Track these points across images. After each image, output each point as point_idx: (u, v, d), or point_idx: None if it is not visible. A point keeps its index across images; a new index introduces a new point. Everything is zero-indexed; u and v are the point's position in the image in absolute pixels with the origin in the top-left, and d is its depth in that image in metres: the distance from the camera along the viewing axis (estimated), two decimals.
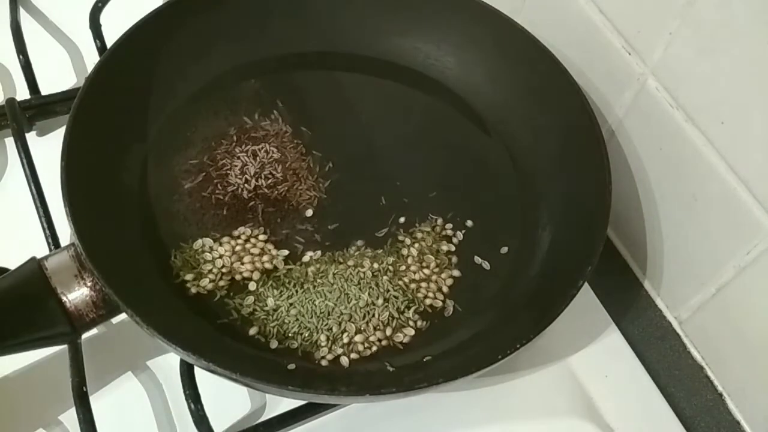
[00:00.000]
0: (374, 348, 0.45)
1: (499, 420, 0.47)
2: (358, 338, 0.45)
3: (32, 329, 0.40)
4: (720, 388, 0.47)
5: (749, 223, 0.41)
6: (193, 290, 0.46)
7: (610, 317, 0.52)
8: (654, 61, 0.45)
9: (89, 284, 0.41)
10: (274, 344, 0.44)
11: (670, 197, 0.48)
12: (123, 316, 0.48)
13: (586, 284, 0.53)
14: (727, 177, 0.42)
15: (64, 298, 0.40)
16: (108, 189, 0.47)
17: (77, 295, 0.41)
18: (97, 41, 0.57)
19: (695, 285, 0.47)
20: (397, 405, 0.46)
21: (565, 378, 0.49)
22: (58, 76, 0.58)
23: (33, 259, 0.42)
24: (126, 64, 0.50)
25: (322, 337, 0.45)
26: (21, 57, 0.56)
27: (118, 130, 0.49)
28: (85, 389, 0.42)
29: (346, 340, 0.45)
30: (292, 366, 0.43)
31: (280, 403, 0.46)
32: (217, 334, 0.44)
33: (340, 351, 0.44)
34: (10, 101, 0.53)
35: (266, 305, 0.46)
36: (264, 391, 0.39)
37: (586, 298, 0.52)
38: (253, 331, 0.45)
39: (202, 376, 0.42)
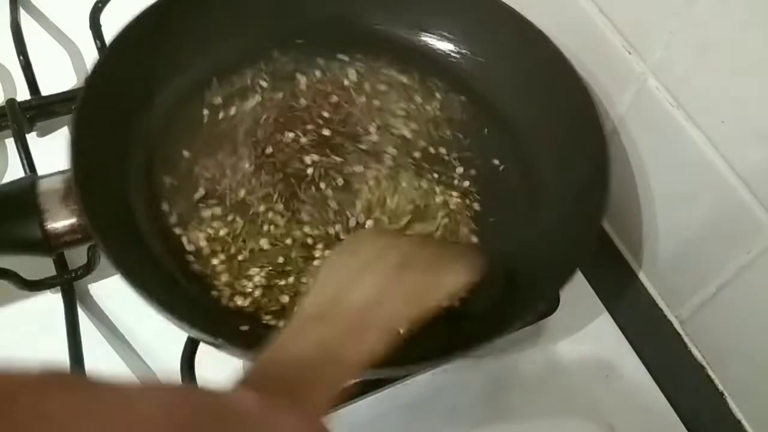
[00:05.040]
0: None
1: (499, 420, 0.47)
2: None
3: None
4: (721, 388, 0.47)
5: (749, 222, 0.41)
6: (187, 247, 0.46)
7: (611, 316, 0.52)
8: (654, 61, 0.45)
9: (72, 208, 0.42)
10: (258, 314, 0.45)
11: (670, 196, 0.48)
12: (124, 317, 0.49)
13: (587, 284, 0.53)
14: (728, 176, 0.42)
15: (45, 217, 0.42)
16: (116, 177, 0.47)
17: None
18: (97, 41, 0.57)
19: (696, 284, 0.47)
20: (396, 405, 0.46)
21: (565, 377, 0.49)
22: (58, 76, 0.58)
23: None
24: (130, 54, 0.50)
25: None
26: (21, 57, 0.56)
27: (123, 121, 0.49)
28: None
29: None
30: (245, 328, 0.43)
31: None
32: (196, 293, 0.45)
33: None
34: (11, 102, 0.53)
35: (257, 281, 0.46)
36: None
37: (587, 298, 0.52)
38: (241, 301, 0.45)
39: (203, 376, 0.42)
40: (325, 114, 0.53)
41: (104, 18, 0.58)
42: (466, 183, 0.52)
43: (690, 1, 0.41)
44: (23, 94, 0.55)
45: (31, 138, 0.53)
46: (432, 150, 0.53)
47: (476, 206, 0.51)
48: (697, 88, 0.43)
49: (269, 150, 0.51)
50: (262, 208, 0.48)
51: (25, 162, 0.50)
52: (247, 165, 0.50)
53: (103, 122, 0.47)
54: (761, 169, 0.40)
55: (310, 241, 0.48)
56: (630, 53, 0.47)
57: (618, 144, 0.50)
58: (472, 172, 0.52)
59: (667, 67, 0.45)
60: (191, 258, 0.46)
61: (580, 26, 0.50)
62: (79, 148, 0.43)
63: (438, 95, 0.55)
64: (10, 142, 0.53)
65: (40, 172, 0.50)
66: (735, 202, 0.42)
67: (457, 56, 0.57)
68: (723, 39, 0.40)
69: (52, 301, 0.47)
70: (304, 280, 0.46)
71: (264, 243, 0.47)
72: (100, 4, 0.59)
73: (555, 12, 0.53)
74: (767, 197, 0.40)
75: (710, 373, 0.48)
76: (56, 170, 0.44)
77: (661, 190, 0.48)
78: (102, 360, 0.46)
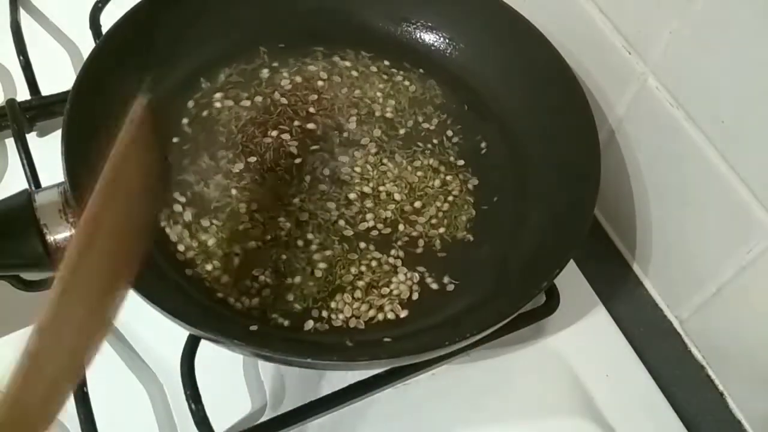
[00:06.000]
0: (371, 315, 0.46)
1: (499, 420, 0.47)
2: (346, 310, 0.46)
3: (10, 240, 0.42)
4: (721, 388, 0.47)
5: (749, 222, 0.41)
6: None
7: (611, 317, 0.52)
8: (654, 61, 0.45)
9: (71, 220, 0.42)
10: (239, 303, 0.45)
11: (670, 196, 0.48)
12: (124, 317, 0.48)
13: (587, 284, 0.53)
14: (728, 176, 0.42)
15: (45, 231, 0.42)
16: None
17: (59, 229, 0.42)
18: (97, 41, 0.57)
19: (696, 284, 0.47)
20: (396, 406, 0.46)
21: (565, 378, 0.49)
22: (58, 76, 0.58)
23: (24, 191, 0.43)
24: (122, 48, 0.50)
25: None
26: (21, 57, 0.56)
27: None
28: (85, 389, 0.42)
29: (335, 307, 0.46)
30: (254, 327, 0.43)
31: (281, 404, 0.46)
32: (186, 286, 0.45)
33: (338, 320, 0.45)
34: (11, 102, 0.53)
35: (262, 281, 0.46)
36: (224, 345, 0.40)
37: (587, 298, 0.52)
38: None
39: (202, 376, 0.42)
40: (307, 108, 0.54)
41: (104, 18, 0.58)
42: (463, 165, 0.52)
43: (690, 1, 0.41)
44: (23, 94, 0.55)
45: (31, 138, 0.53)
46: (420, 126, 0.54)
47: (471, 184, 0.51)
48: (697, 88, 0.43)
49: (254, 150, 0.51)
50: (246, 210, 0.48)
51: (25, 162, 0.50)
52: (233, 167, 0.50)
53: (93, 128, 0.46)
54: (761, 169, 0.40)
55: (309, 237, 0.48)
56: (630, 53, 0.47)
57: (617, 144, 0.51)
58: (463, 150, 0.53)
59: (667, 67, 0.45)
60: (186, 263, 0.46)
61: (580, 26, 0.50)
62: (71, 158, 0.43)
63: (421, 82, 0.56)
64: (10, 142, 0.53)
65: (40, 172, 0.50)
66: (735, 202, 0.42)
67: (441, 46, 0.57)
68: (723, 39, 0.40)
69: None
70: (310, 281, 0.46)
71: (256, 245, 0.47)
72: (100, 4, 0.59)
73: (555, 12, 0.53)
74: (767, 197, 0.40)
75: (710, 373, 0.48)
76: (56, 169, 0.44)
77: (661, 189, 0.48)
78: (102, 360, 0.46)
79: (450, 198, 0.51)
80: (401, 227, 0.49)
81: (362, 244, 0.48)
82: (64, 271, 0.33)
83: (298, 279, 0.46)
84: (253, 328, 0.43)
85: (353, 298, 0.46)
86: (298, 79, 0.55)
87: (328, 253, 0.47)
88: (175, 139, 0.51)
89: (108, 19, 0.58)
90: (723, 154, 0.42)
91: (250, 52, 0.56)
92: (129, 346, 0.48)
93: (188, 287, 0.45)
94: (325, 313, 0.45)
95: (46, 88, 0.55)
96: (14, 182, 0.52)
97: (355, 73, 0.56)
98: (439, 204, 0.50)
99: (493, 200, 0.51)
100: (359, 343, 0.44)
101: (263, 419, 0.44)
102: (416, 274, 0.47)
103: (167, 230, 0.47)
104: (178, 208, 0.48)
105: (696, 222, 0.46)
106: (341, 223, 0.49)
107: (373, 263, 0.47)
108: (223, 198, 0.49)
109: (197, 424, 0.41)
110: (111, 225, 0.35)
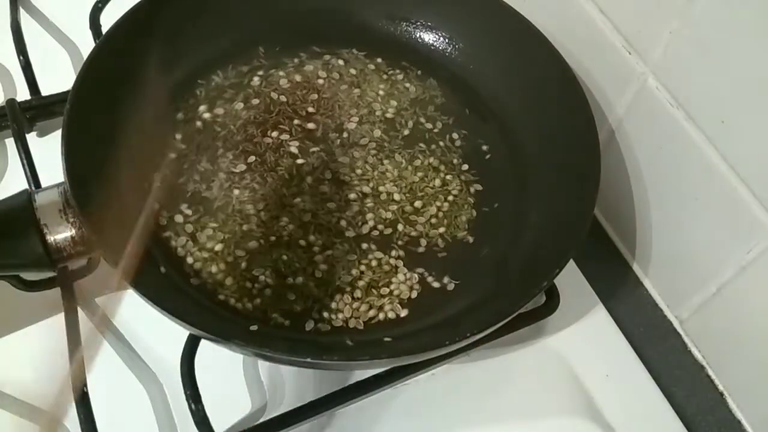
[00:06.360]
0: (371, 315, 0.46)
1: (498, 420, 0.47)
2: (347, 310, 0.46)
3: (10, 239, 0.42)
4: (721, 388, 0.47)
5: (749, 222, 0.41)
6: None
7: (611, 317, 0.52)
8: (654, 61, 0.45)
9: (71, 220, 0.42)
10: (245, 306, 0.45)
11: (670, 196, 0.48)
12: (124, 317, 0.49)
13: (587, 284, 0.53)
14: (728, 176, 0.42)
15: (45, 231, 0.42)
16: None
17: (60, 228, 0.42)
18: (97, 41, 0.57)
19: (696, 284, 0.47)
20: (396, 405, 0.46)
21: (565, 377, 0.49)
22: (58, 76, 0.58)
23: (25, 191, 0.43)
24: (121, 48, 0.50)
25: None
26: (21, 57, 0.56)
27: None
28: (85, 389, 0.42)
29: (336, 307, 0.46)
30: (254, 327, 0.43)
31: (281, 404, 0.46)
32: (191, 290, 0.45)
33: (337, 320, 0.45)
34: (11, 102, 0.53)
35: (263, 281, 0.46)
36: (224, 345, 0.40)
37: (587, 298, 0.52)
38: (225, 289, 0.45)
39: (202, 376, 0.42)
40: (307, 108, 0.54)
41: (104, 18, 0.58)
42: (465, 166, 0.52)
43: (690, 1, 0.41)
44: (23, 94, 0.55)
45: (31, 138, 0.53)
46: (420, 126, 0.54)
47: (474, 188, 0.51)
48: (698, 87, 0.43)
49: (254, 150, 0.51)
50: (251, 211, 0.48)
51: (25, 162, 0.50)
52: (234, 168, 0.50)
53: (93, 128, 0.47)
54: (761, 169, 0.40)
55: (311, 238, 0.48)
56: (630, 53, 0.47)
57: (617, 144, 0.51)
58: (463, 150, 0.53)
59: (667, 67, 0.45)
60: (190, 267, 0.46)
61: (580, 26, 0.50)
62: (71, 158, 0.43)
63: (420, 81, 0.56)
64: (10, 142, 0.53)
65: (40, 172, 0.50)
66: (735, 202, 0.42)
67: (441, 46, 0.58)
68: (723, 39, 0.40)
69: (52, 301, 0.47)
70: (311, 281, 0.46)
71: (258, 246, 0.47)
72: (100, 4, 0.59)
73: (555, 12, 0.53)
74: (767, 197, 0.40)
75: (710, 373, 0.48)
76: (56, 169, 0.44)
77: (661, 189, 0.48)
78: (102, 360, 0.46)
79: (450, 198, 0.51)
80: (401, 227, 0.49)
81: (363, 245, 0.48)
82: None
83: (299, 279, 0.46)
84: (254, 328, 0.43)
85: (353, 298, 0.46)
86: (297, 77, 0.55)
87: (328, 253, 0.47)
88: (171, 154, 0.51)
89: (108, 19, 0.58)
90: (723, 154, 0.42)
91: (249, 52, 0.56)
92: (129, 346, 0.48)
93: (189, 289, 0.45)
94: (325, 314, 0.45)
95: (46, 88, 0.55)
96: (14, 182, 0.52)
97: (353, 71, 0.56)
98: (439, 204, 0.50)
99: (494, 205, 0.51)
100: (359, 343, 0.44)
101: (263, 419, 0.44)
102: (416, 274, 0.47)
103: (172, 242, 0.47)
104: (179, 218, 0.47)
105: (696, 222, 0.46)
106: (342, 223, 0.49)
107: (374, 263, 0.47)
108: (225, 199, 0.49)
109: (197, 424, 0.41)
110: None
